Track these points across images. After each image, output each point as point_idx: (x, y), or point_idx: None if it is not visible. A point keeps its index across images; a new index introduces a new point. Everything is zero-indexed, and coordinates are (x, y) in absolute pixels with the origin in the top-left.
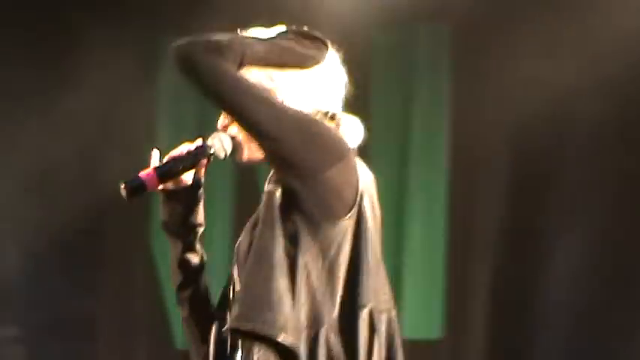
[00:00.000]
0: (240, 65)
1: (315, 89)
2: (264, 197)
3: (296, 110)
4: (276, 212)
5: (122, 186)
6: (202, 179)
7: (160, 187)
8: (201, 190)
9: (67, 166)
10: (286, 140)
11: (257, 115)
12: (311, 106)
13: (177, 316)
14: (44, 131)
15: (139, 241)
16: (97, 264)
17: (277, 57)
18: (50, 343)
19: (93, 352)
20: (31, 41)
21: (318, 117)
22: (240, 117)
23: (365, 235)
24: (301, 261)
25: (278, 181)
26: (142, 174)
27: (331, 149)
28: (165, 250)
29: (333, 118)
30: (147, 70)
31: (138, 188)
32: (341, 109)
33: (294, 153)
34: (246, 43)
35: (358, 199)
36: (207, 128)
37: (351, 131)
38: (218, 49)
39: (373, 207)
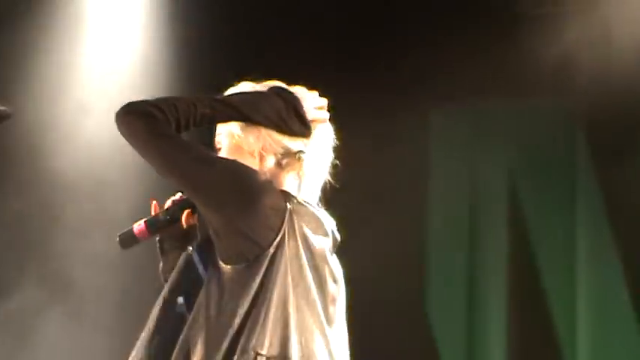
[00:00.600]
0: (179, 126)
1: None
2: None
3: (214, 162)
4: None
5: (117, 238)
6: (196, 229)
7: (157, 236)
8: (197, 239)
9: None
10: (202, 191)
11: (181, 171)
12: (281, 145)
13: None
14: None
15: (413, 304)
16: (378, 331)
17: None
18: None
19: None
20: None
21: (283, 157)
22: (168, 173)
23: (271, 281)
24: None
25: (202, 239)
26: (135, 225)
27: (246, 194)
28: (440, 314)
29: (299, 158)
30: (421, 140)
31: (129, 239)
32: (318, 146)
33: (211, 202)
34: (185, 105)
35: (277, 241)
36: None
37: (310, 174)
38: (146, 112)
39: (313, 255)
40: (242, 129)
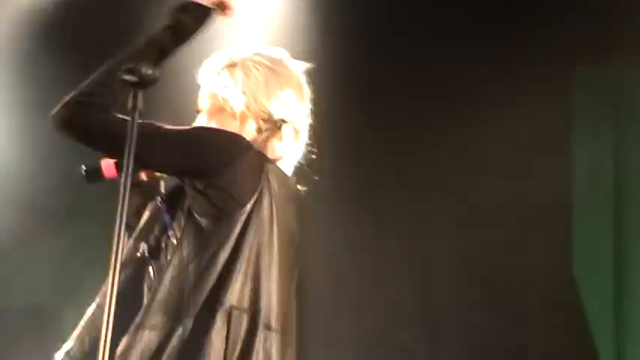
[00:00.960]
0: (114, 101)
1: (273, 98)
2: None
3: (170, 132)
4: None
5: (83, 168)
6: (161, 178)
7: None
8: (162, 187)
9: (485, 203)
10: (168, 162)
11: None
12: (264, 109)
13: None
14: (460, 167)
15: (561, 269)
16: (521, 296)
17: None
18: None
19: None
20: (442, 74)
21: (264, 122)
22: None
23: (245, 237)
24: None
25: (172, 189)
26: (103, 162)
27: (216, 158)
28: (589, 277)
29: (280, 126)
30: (565, 101)
31: (95, 174)
32: (299, 118)
33: (180, 169)
34: (109, 75)
35: (254, 198)
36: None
37: (289, 142)
38: (84, 105)
39: (279, 216)
40: (226, 91)
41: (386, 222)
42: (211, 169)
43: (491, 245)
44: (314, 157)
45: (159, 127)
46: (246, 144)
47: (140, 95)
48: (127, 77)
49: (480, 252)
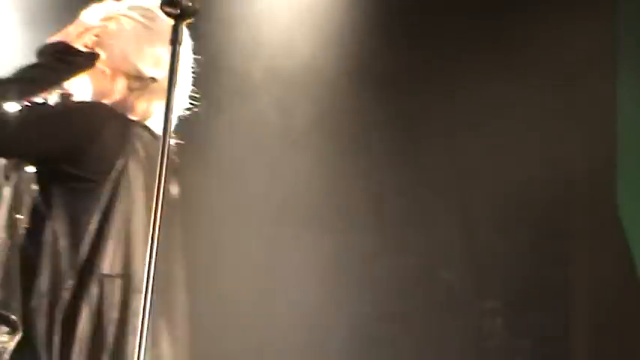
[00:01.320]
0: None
1: (143, 55)
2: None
3: (26, 119)
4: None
5: None
6: None
7: None
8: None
9: (529, 140)
10: (40, 148)
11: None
12: (134, 67)
13: None
14: (503, 104)
15: (606, 208)
16: (565, 234)
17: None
18: (524, 312)
19: (561, 321)
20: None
21: (135, 81)
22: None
23: (114, 205)
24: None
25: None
26: None
27: (79, 138)
28: (634, 215)
29: (148, 85)
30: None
31: None
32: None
33: (45, 156)
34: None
35: (119, 169)
36: None
37: (156, 99)
38: None
39: (148, 179)
40: (98, 45)
41: (430, 161)
42: (77, 150)
43: (535, 182)
44: (197, 111)
45: (15, 117)
46: (106, 113)
47: (181, 28)
48: (168, 10)
49: (524, 190)
